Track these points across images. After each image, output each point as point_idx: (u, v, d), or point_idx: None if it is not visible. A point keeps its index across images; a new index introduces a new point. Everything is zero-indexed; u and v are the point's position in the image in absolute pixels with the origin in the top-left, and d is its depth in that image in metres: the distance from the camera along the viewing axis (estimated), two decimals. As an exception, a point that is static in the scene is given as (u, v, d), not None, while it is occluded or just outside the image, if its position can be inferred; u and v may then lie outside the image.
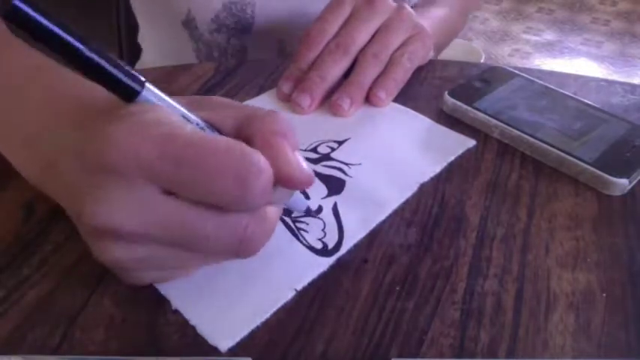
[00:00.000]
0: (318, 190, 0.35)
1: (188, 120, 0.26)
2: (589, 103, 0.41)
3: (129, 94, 0.25)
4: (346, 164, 0.37)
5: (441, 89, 0.43)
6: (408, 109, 0.43)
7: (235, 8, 0.54)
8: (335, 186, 0.35)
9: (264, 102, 0.44)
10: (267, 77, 0.47)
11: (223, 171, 0.23)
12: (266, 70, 0.48)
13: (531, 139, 0.38)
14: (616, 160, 0.36)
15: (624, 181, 0.34)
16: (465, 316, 0.28)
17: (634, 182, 0.35)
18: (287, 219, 0.33)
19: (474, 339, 0.27)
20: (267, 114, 0.27)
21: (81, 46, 0.22)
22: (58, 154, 0.27)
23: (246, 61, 0.50)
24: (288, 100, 0.43)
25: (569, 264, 0.30)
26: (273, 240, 0.31)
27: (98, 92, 0.27)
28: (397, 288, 0.29)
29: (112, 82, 0.24)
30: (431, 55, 0.47)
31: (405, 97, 0.44)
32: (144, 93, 0.25)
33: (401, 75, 0.43)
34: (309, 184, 0.26)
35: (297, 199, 0.31)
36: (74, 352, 0.26)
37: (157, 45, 0.65)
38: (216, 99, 0.29)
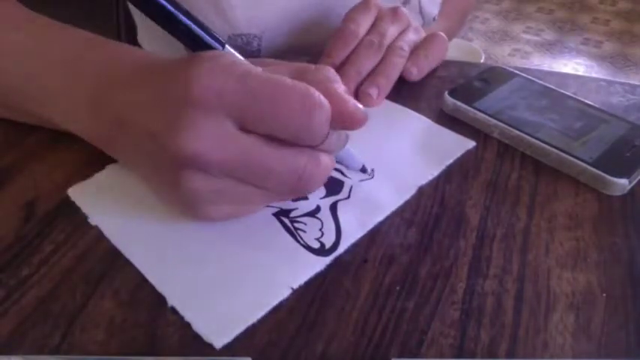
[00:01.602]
0: (316, 190, 0.35)
1: None
2: (589, 103, 0.41)
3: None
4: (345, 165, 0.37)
5: (441, 89, 0.43)
6: (408, 110, 0.43)
7: (241, 41, 0.54)
8: (334, 186, 0.35)
9: None
10: (267, 77, 0.47)
11: (291, 102, 0.26)
12: (266, 70, 0.48)
13: (531, 139, 0.38)
14: (616, 160, 0.36)
15: (624, 181, 0.34)
16: (464, 316, 0.28)
17: (634, 182, 0.35)
18: (285, 219, 0.33)
19: (473, 339, 0.27)
20: (317, 67, 0.31)
21: (172, 8, 0.27)
22: (128, 109, 0.30)
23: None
24: None
25: (569, 264, 0.30)
26: (270, 239, 0.31)
27: (155, 56, 0.32)
28: (397, 288, 0.29)
29: (199, 42, 0.28)
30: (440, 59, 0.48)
31: (405, 97, 0.44)
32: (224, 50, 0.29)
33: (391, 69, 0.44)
34: (365, 120, 0.29)
35: (351, 155, 0.35)
36: (74, 352, 0.26)
37: None
38: (267, 59, 0.33)
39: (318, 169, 0.29)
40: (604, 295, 0.29)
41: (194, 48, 0.28)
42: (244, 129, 0.27)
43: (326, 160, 0.30)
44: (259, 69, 0.28)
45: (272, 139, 0.28)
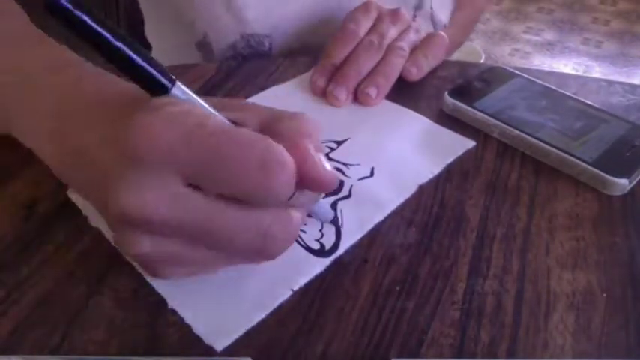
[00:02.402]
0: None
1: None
2: (589, 103, 0.41)
3: (159, 91, 0.25)
4: (345, 165, 0.37)
5: (441, 89, 0.43)
6: (408, 110, 0.43)
7: (253, 40, 0.55)
8: (335, 186, 0.35)
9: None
10: (267, 77, 0.47)
11: (249, 161, 0.23)
12: (266, 70, 0.48)
13: (531, 139, 0.38)
14: (616, 160, 0.36)
15: (624, 181, 0.34)
16: (465, 316, 0.28)
17: (634, 182, 0.35)
18: (287, 219, 0.33)
19: (473, 339, 0.27)
20: (293, 115, 0.27)
21: (114, 40, 0.23)
22: (86, 144, 0.27)
23: (247, 61, 0.50)
24: (322, 93, 0.43)
25: (569, 264, 0.30)
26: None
27: (124, 87, 0.28)
28: (397, 288, 0.29)
29: (144, 77, 0.24)
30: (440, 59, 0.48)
31: (405, 96, 0.44)
32: (173, 90, 0.25)
33: (390, 68, 0.44)
34: (333, 186, 0.26)
35: (322, 207, 0.32)
36: (74, 352, 0.26)
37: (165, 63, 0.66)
38: (241, 101, 0.30)
39: (287, 228, 0.26)
40: (604, 295, 0.29)
41: (139, 83, 0.25)
42: (198, 187, 0.24)
43: (296, 216, 0.26)
44: (219, 118, 0.25)
45: (230, 198, 0.24)
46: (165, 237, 0.25)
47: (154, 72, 0.24)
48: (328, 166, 0.26)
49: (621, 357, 0.26)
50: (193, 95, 0.26)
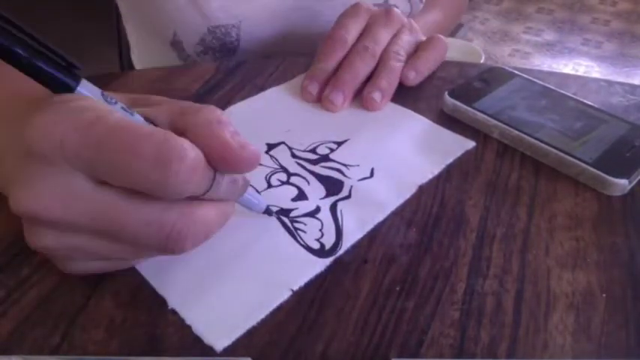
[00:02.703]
0: (316, 190, 0.35)
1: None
2: (589, 103, 0.41)
3: (64, 90, 0.24)
4: (345, 165, 0.37)
5: (441, 89, 0.43)
6: (408, 110, 0.43)
7: (220, 32, 0.55)
8: (333, 187, 0.35)
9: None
10: (267, 77, 0.47)
11: (144, 155, 0.23)
12: (266, 70, 0.48)
13: (531, 139, 0.38)
14: (616, 160, 0.36)
15: (624, 181, 0.34)
16: (465, 316, 0.28)
17: (634, 182, 0.35)
18: (285, 219, 0.33)
19: (473, 339, 0.27)
20: (200, 107, 0.27)
21: (5, 42, 0.22)
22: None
23: (247, 61, 0.50)
24: (313, 99, 0.43)
25: (569, 264, 0.30)
26: (270, 239, 0.31)
27: (34, 86, 0.26)
28: (397, 288, 0.29)
29: (45, 77, 0.23)
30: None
31: (405, 97, 0.44)
32: (79, 89, 0.24)
33: (391, 73, 0.44)
34: (253, 162, 0.26)
35: (251, 197, 0.31)
36: (74, 352, 0.26)
37: (147, 64, 0.66)
38: (154, 97, 0.29)
39: (193, 226, 0.25)
40: (604, 295, 0.29)
41: (43, 84, 0.24)
42: (100, 182, 0.24)
43: (208, 214, 0.26)
44: (114, 115, 0.24)
45: (136, 192, 0.24)
46: (68, 232, 0.25)
47: (54, 72, 0.23)
48: (247, 144, 0.25)
49: (621, 357, 0.26)
50: (98, 92, 0.25)
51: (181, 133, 0.25)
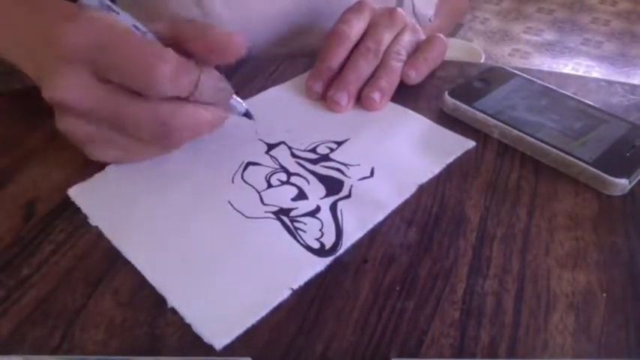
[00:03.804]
0: (316, 190, 0.35)
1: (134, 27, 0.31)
2: (589, 103, 0.41)
3: None
4: (345, 165, 0.37)
5: (441, 89, 0.43)
6: (408, 110, 0.43)
7: None
8: (333, 186, 0.35)
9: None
10: (267, 77, 0.47)
11: (136, 56, 0.29)
12: (266, 70, 0.48)
13: (531, 139, 0.38)
14: (616, 160, 0.36)
15: (624, 181, 0.34)
16: (465, 316, 0.28)
17: (634, 182, 0.35)
18: (285, 218, 0.33)
19: (474, 339, 0.27)
20: (190, 21, 0.34)
21: None
22: (33, 46, 0.35)
23: (246, 61, 0.50)
24: (319, 98, 0.43)
25: (569, 264, 0.30)
26: (270, 239, 0.31)
27: None
28: (397, 288, 0.29)
29: None
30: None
31: (405, 97, 0.44)
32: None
33: (391, 74, 0.44)
34: (240, 44, 0.32)
35: (233, 101, 0.35)
36: (74, 352, 0.26)
37: None
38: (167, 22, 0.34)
39: (186, 118, 0.31)
40: (604, 295, 0.29)
41: None
42: (104, 79, 0.30)
43: (197, 111, 0.32)
44: (120, 26, 0.30)
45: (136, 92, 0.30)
46: (83, 120, 0.32)
47: None
48: (229, 34, 0.32)
49: (621, 357, 0.26)
50: (115, 8, 0.31)
51: (176, 40, 0.32)
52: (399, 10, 0.47)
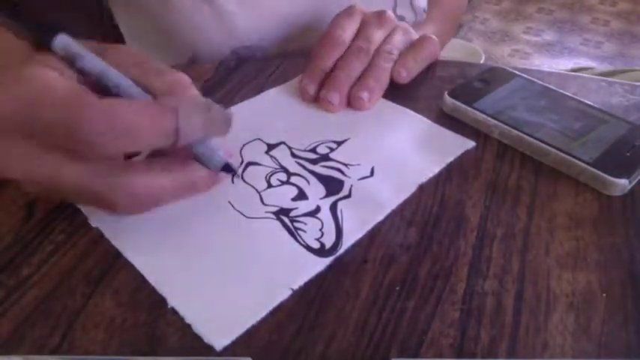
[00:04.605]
0: (316, 190, 0.35)
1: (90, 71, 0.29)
2: (589, 103, 0.41)
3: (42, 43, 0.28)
4: (345, 165, 0.37)
5: (441, 89, 0.43)
6: (408, 110, 0.43)
7: (245, 52, 0.54)
8: (333, 186, 0.35)
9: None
10: (267, 77, 0.47)
11: (60, 123, 0.26)
12: (266, 70, 0.48)
13: (531, 139, 0.38)
14: (616, 160, 0.36)
15: (624, 181, 0.34)
16: (465, 316, 0.28)
17: (634, 182, 0.35)
18: (285, 218, 0.33)
19: (474, 339, 0.27)
20: (162, 71, 0.31)
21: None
22: None
23: (246, 61, 0.50)
24: (311, 98, 0.43)
25: (569, 264, 0.30)
26: (270, 239, 0.31)
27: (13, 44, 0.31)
28: (397, 288, 0.29)
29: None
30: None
31: (405, 97, 0.44)
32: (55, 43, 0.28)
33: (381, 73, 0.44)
34: (186, 80, 0.31)
35: (209, 150, 0.31)
36: (74, 352, 0.26)
37: None
38: (122, 50, 0.32)
39: (128, 198, 0.29)
40: (604, 295, 0.29)
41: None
42: (48, 147, 0.27)
43: (137, 185, 0.29)
44: (62, 85, 0.27)
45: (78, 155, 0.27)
46: (34, 184, 0.29)
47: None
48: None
49: (621, 357, 0.26)
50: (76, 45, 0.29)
51: (145, 88, 0.29)
52: (389, 12, 0.47)
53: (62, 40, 0.28)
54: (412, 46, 0.46)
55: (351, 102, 0.42)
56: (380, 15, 0.46)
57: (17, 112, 0.26)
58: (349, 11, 0.46)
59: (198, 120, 0.28)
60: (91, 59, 0.29)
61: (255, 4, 0.52)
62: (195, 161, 0.31)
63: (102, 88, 0.29)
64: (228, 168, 0.32)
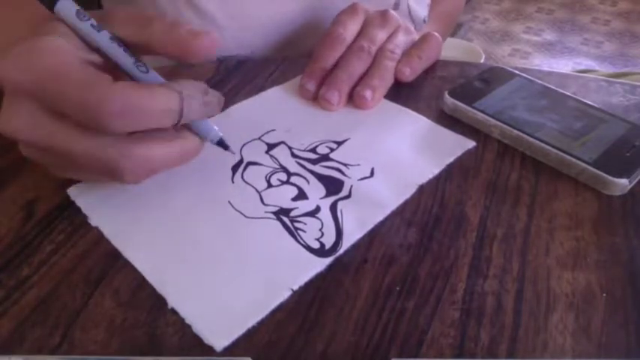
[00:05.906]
0: (316, 190, 0.35)
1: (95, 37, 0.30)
2: (589, 103, 0.41)
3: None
4: (345, 165, 0.37)
5: (441, 89, 0.43)
6: (408, 110, 0.43)
7: (229, 61, 0.54)
8: (333, 186, 0.35)
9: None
10: (267, 77, 0.47)
11: (77, 99, 0.27)
12: (266, 70, 0.48)
13: (531, 139, 0.38)
14: (616, 160, 0.36)
15: (624, 181, 0.34)
16: (465, 316, 0.28)
17: (634, 182, 0.35)
18: (285, 218, 0.33)
19: (474, 339, 0.27)
20: (152, 19, 0.31)
21: None
22: None
23: (246, 61, 0.50)
24: (311, 97, 0.43)
25: (569, 264, 0.30)
26: (270, 239, 0.31)
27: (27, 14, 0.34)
28: (397, 288, 0.29)
29: None
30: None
31: (405, 97, 0.44)
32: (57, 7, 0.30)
33: (385, 72, 0.44)
34: (208, 42, 0.31)
35: (204, 124, 0.33)
36: (74, 352, 0.26)
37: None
38: (120, 13, 0.32)
39: (135, 160, 0.29)
40: (604, 295, 0.29)
41: None
42: (56, 112, 0.28)
43: (149, 152, 0.30)
44: (70, 59, 0.28)
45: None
46: (33, 148, 0.30)
47: None
48: (198, 33, 0.31)
49: (621, 357, 0.26)
50: (74, 10, 0.30)
51: (145, 44, 0.31)
52: (392, 11, 0.47)
53: (65, 5, 0.30)
54: (415, 45, 0.46)
55: (355, 100, 0.42)
56: (383, 14, 0.46)
57: (33, 83, 0.28)
58: (352, 10, 0.46)
59: (198, 102, 0.30)
60: (90, 32, 0.30)
61: (239, 9, 0.52)
62: (187, 130, 0.32)
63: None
64: (222, 143, 0.34)
